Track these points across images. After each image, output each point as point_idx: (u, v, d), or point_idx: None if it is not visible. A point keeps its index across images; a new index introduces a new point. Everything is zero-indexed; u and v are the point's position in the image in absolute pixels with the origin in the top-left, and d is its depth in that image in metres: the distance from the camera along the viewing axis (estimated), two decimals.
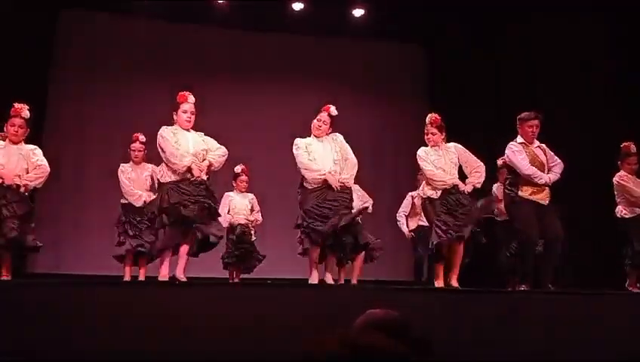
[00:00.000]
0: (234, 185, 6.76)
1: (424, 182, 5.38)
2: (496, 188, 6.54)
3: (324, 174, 5.11)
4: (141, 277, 5.87)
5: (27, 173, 4.95)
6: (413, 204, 6.88)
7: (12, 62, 7.16)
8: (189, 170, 4.87)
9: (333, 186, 5.11)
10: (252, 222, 6.69)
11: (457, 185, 5.22)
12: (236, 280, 6.54)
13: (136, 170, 6.01)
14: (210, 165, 4.99)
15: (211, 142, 5.12)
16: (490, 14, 7.97)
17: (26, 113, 4.95)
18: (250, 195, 6.80)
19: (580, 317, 4.12)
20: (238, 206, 6.63)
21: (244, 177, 6.76)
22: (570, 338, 3.92)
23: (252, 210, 6.75)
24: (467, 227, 5.13)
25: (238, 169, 6.71)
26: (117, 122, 8.06)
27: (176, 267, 4.98)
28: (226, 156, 5.13)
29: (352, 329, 1.27)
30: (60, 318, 3.55)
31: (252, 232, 6.69)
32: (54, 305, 3.64)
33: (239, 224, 6.56)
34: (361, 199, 6.60)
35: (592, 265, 6.63)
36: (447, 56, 8.65)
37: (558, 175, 5.25)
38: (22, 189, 4.85)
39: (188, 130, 5.04)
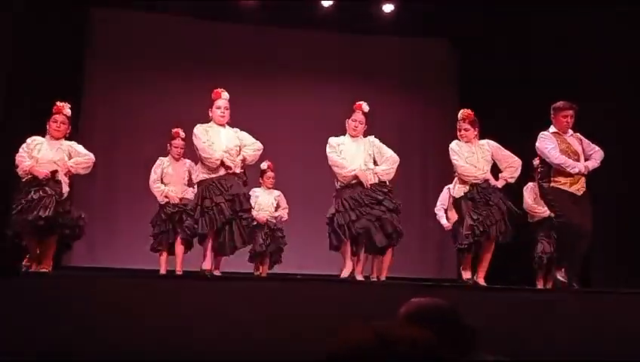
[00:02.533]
0: (260, 181, 6.80)
1: (455, 179, 5.35)
2: (526, 190, 6.47)
3: (355, 170, 5.15)
4: (178, 271, 5.79)
5: None
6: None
7: (45, 64, 7.30)
8: (222, 163, 5.00)
9: (364, 183, 5.14)
10: (276, 218, 6.72)
11: (488, 180, 5.19)
12: (263, 275, 6.58)
13: (175, 165, 6.17)
14: (244, 159, 5.13)
15: (246, 138, 5.29)
16: (517, 9, 7.83)
17: (68, 111, 5.26)
18: (277, 192, 6.83)
19: (604, 316, 4.09)
20: (263, 203, 6.67)
21: (270, 173, 6.81)
22: (597, 337, 3.88)
23: (278, 206, 6.79)
24: (495, 225, 5.06)
25: (264, 165, 6.73)
26: (151, 118, 8.14)
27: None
28: (261, 150, 5.30)
29: (395, 318, 1.23)
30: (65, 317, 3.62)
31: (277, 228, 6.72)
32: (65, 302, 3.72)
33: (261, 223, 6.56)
34: None
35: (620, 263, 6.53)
36: (478, 53, 8.52)
37: (598, 162, 5.14)
38: (64, 172, 5.07)
39: (223, 125, 5.21)
